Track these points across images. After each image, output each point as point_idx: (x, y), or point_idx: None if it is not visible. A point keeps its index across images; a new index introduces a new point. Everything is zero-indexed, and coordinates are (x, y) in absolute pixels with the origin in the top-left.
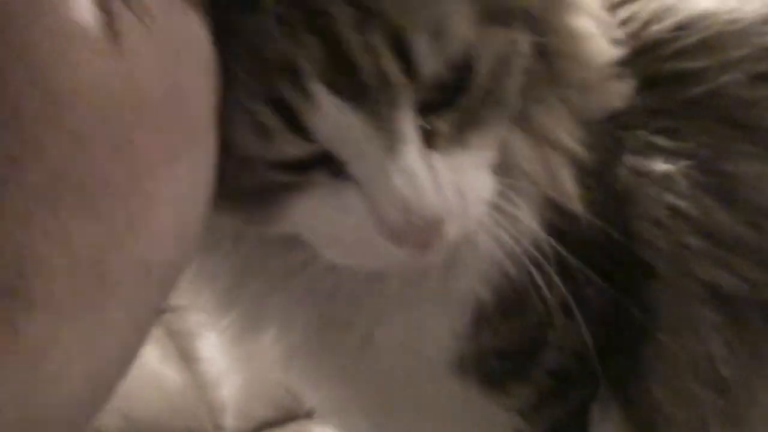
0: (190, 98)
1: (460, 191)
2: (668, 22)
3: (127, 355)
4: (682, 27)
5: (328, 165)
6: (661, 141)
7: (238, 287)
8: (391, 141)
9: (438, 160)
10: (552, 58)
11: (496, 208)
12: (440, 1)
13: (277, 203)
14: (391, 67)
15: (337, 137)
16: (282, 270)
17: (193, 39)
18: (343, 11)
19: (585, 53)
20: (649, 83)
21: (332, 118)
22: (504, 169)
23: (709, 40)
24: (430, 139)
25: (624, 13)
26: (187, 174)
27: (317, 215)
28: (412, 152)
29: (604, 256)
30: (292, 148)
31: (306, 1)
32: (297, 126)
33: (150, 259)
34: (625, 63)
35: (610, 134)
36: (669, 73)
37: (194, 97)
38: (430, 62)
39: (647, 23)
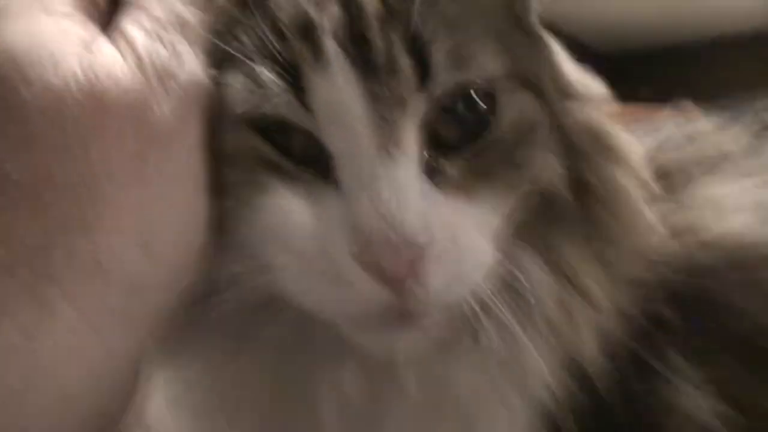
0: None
1: (454, 237)
2: (702, 236)
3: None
4: (715, 246)
5: (311, 165)
6: (689, 370)
7: None
8: (388, 143)
9: (438, 197)
10: (589, 199)
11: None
12: (468, 29)
13: (250, 203)
14: (404, 60)
15: (335, 113)
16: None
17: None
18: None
19: (626, 213)
20: (676, 297)
21: (337, 84)
22: (520, 296)
23: (743, 266)
24: (435, 178)
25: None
26: (156, 187)
27: (287, 220)
28: (409, 166)
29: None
30: (284, 106)
31: None
32: (296, 85)
33: (105, 260)
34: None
35: (640, 341)
36: (698, 295)
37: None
38: (444, 75)
39: (679, 233)
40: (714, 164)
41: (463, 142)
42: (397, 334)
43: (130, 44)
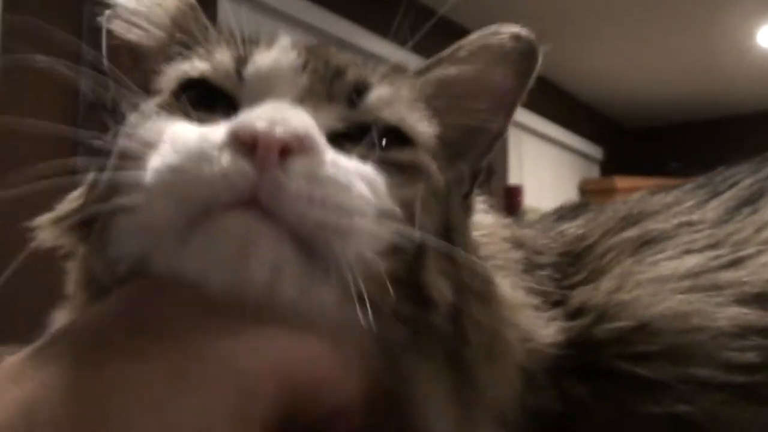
0: None
1: (343, 172)
2: (625, 323)
3: None
4: (643, 329)
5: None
6: None
7: None
8: (305, 101)
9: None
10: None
11: None
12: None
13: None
14: (347, 82)
15: (268, 79)
16: None
17: None
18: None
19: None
20: (597, 377)
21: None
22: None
23: (675, 350)
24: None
25: (575, 300)
26: None
27: (174, 129)
28: (312, 119)
29: None
30: (224, 75)
31: None
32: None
33: None
34: (567, 351)
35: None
36: (623, 375)
37: None
38: (368, 110)
39: (599, 319)
40: (659, 239)
41: (362, 145)
42: (244, 221)
43: None
